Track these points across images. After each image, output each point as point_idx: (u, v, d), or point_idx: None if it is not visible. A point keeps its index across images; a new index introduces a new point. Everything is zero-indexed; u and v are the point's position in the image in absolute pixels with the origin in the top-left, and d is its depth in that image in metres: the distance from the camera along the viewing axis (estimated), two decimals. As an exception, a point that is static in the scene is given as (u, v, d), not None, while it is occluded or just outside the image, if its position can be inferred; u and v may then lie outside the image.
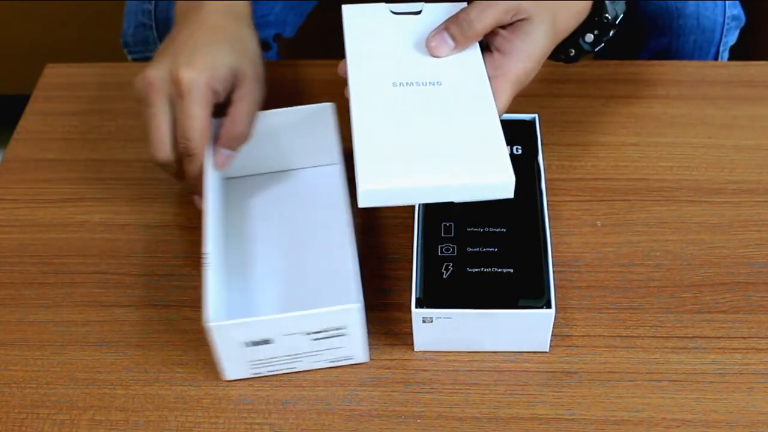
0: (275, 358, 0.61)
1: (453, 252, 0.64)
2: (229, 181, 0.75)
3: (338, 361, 0.63)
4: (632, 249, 0.70)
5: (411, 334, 0.64)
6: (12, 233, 0.73)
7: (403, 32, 0.67)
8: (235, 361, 0.61)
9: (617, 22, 0.69)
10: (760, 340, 0.64)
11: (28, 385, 0.64)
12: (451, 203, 0.65)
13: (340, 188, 0.67)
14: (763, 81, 0.83)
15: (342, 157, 0.69)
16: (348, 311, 0.59)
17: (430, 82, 0.63)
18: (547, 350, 0.64)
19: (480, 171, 0.57)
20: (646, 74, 0.84)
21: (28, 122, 0.83)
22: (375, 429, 0.61)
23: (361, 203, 0.56)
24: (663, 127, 0.79)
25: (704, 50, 0.94)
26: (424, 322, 0.62)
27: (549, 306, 0.61)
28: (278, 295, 0.67)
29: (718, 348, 0.64)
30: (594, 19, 0.69)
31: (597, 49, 0.71)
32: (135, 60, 0.99)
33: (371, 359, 0.64)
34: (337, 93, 0.83)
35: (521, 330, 0.62)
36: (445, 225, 0.65)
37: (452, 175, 0.57)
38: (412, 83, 0.63)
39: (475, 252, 0.64)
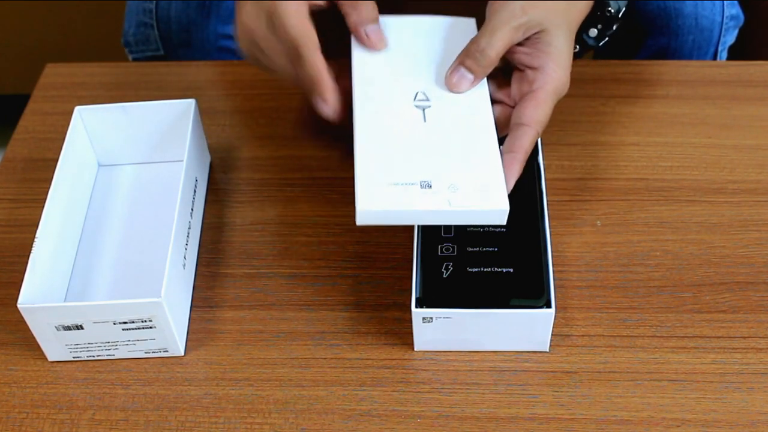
0: (91, 344, 0.63)
1: (453, 252, 0.64)
2: (101, 169, 0.77)
3: (154, 352, 0.65)
4: (632, 249, 0.70)
5: (411, 334, 0.64)
6: (12, 233, 0.73)
7: (408, 45, 0.67)
8: (52, 344, 0.63)
9: (620, 15, 0.69)
10: (760, 340, 0.64)
11: (28, 385, 0.64)
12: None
13: (179, 184, 0.67)
14: (763, 81, 0.83)
15: (187, 155, 0.69)
16: (152, 304, 0.61)
17: (434, 98, 0.63)
18: (547, 350, 0.64)
19: (475, 198, 0.58)
20: (645, 74, 0.84)
21: (28, 122, 0.83)
22: (375, 429, 0.61)
23: (359, 221, 0.58)
24: (663, 127, 0.79)
25: (703, 50, 0.94)
26: (424, 321, 0.62)
27: (549, 306, 0.61)
28: (114, 283, 0.69)
29: (718, 348, 0.64)
30: (597, 14, 0.69)
31: (601, 44, 0.71)
32: (136, 60, 0.99)
33: (372, 358, 0.64)
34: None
35: (521, 330, 0.62)
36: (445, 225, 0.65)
37: (447, 201, 0.58)
38: (416, 100, 0.63)
39: (475, 252, 0.64)
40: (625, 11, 0.70)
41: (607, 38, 0.71)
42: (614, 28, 0.70)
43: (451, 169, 0.59)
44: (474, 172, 0.59)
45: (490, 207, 0.58)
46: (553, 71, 0.64)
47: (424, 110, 0.63)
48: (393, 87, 0.65)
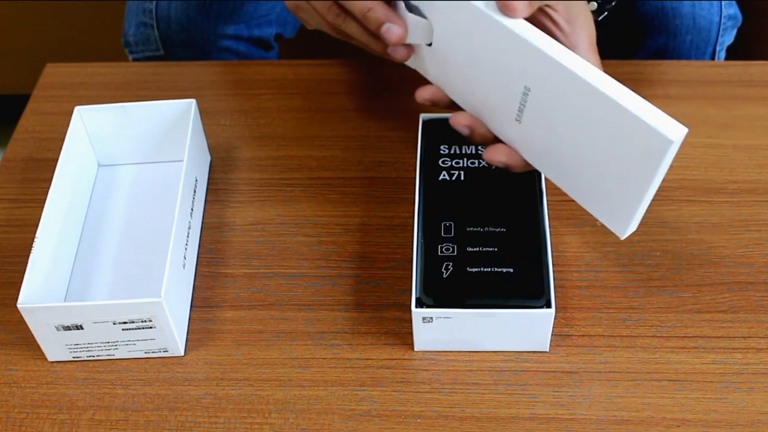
0: (92, 344, 0.64)
1: (453, 252, 0.64)
2: (101, 169, 0.77)
3: (153, 352, 0.65)
4: (632, 249, 0.70)
5: (411, 334, 0.64)
6: (12, 233, 0.73)
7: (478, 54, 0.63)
8: (52, 344, 0.64)
9: None
10: (760, 340, 0.64)
11: (28, 385, 0.64)
12: (454, 200, 0.66)
13: (179, 184, 0.67)
14: (763, 81, 0.83)
15: (187, 155, 0.69)
16: (152, 304, 0.61)
17: (525, 93, 0.60)
18: (547, 350, 0.64)
19: (656, 152, 0.55)
20: (646, 74, 0.84)
21: (28, 122, 0.83)
22: (375, 429, 0.61)
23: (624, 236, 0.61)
24: (663, 127, 0.79)
25: (701, 50, 0.94)
26: (424, 321, 0.62)
27: (549, 306, 0.61)
28: (114, 283, 0.69)
29: (718, 348, 0.64)
30: None
31: (600, 18, 0.70)
32: (136, 60, 0.99)
33: (372, 358, 0.64)
34: (336, 92, 0.84)
35: (521, 330, 0.62)
36: (445, 225, 0.65)
37: (649, 176, 0.57)
38: (521, 107, 0.61)
39: (475, 252, 0.64)
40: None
41: (606, 13, 0.70)
42: (613, 3, 0.69)
43: (615, 153, 0.58)
44: (627, 134, 0.56)
45: (670, 151, 0.55)
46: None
47: (533, 105, 0.60)
48: (501, 99, 0.62)
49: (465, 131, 0.65)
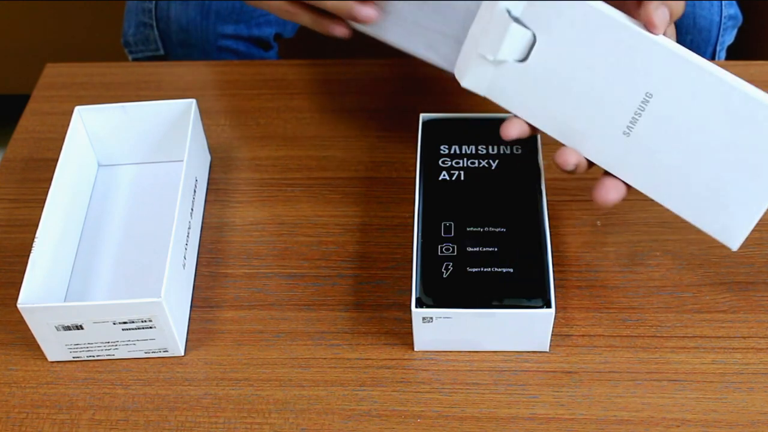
0: (92, 344, 0.63)
1: (453, 252, 0.64)
2: (101, 169, 0.77)
3: (154, 352, 0.65)
4: (632, 249, 0.70)
5: (411, 334, 0.64)
6: (12, 233, 0.73)
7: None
8: (52, 344, 0.63)
9: None
10: (760, 340, 0.64)
11: (28, 385, 0.64)
12: (454, 200, 0.66)
13: (179, 184, 0.67)
14: (763, 81, 0.82)
15: (187, 155, 0.69)
16: (152, 304, 0.61)
17: (644, 101, 0.59)
18: (547, 350, 0.64)
19: None
20: (645, 74, 0.84)
21: (28, 122, 0.83)
22: (375, 429, 0.61)
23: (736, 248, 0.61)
24: (663, 127, 0.79)
25: (701, 50, 0.94)
26: (424, 321, 0.62)
27: (549, 306, 0.61)
28: (114, 283, 0.69)
29: (718, 348, 0.64)
30: None
31: None
32: (136, 60, 0.99)
33: (372, 358, 0.64)
34: (336, 92, 0.84)
35: (521, 330, 0.62)
36: (445, 225, 0.65)
37: None
38: (635, 118, 0.60)
39: (475, 252, 0.64)
40: None
41: None
42: None
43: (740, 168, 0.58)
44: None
45: None
46: None
47: (654, 118, 0.59)
48: (611, 109, 0.60)
49: (570, 168, 0.63)
